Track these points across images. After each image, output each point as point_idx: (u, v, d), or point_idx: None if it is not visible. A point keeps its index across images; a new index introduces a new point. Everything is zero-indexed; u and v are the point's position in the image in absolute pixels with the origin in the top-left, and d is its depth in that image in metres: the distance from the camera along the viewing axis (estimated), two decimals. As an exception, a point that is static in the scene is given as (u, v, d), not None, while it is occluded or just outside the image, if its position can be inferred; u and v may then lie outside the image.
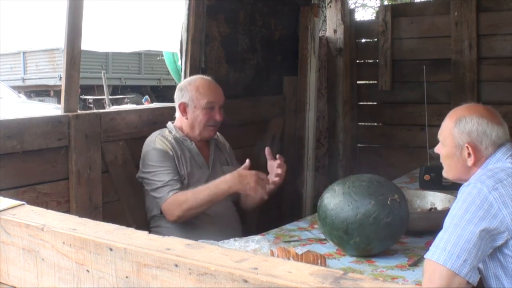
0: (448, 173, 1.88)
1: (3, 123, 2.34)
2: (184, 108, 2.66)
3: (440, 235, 1.59)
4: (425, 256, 1.61)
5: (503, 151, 1.75)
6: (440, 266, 1.54)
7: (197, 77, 2.77)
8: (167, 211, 2.49)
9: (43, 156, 2.47)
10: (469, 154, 1.76)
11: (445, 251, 1.54)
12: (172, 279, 0.91)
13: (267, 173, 2.67)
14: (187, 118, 2.67)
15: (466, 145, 1.76)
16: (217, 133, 2.82)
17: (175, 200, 2.47)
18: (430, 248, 1.60)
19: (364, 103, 4.85)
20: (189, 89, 2.66)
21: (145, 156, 2.60)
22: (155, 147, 2.57)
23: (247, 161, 2.51)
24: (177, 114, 2.73)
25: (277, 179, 2.59)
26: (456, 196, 2.46)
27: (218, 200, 2.49)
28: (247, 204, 2.78)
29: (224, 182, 2.46)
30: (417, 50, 4.43)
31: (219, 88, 2.73)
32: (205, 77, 2.76)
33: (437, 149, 1.89)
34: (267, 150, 2.65)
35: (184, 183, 2.57)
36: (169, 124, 2.74)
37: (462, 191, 1.65)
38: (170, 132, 2.67)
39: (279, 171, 2.58)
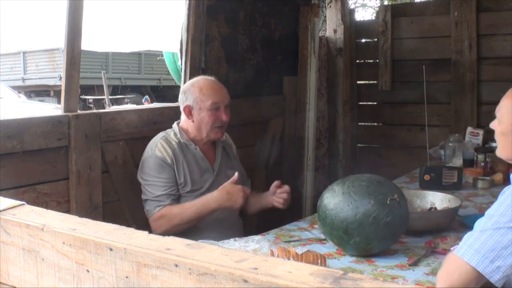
0: (501, 152, 1.73)
1: (3, 123, 2.34)
2: (189, 111, 2.59)
3: (476, 234, 1.47)
4: (454, 252, 1.50)
5: None
6: (469, 266, 1.44)
7: (200, 78, 2.70)
8: (154, 226, 2.48)
9: (43, 156, 2.47)
10: None
11: (479, 253, 1.44)
12: (172, 279, 0.91)
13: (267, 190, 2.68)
14: (193, 121, 2.60)
15: None
16: (225, 133, 2.76)
17: (162, 216, 2.47)
18: (461, 245, 1.49)
19: (364, 103, 4.85)
20: (193, 91, 2.59)
21: (144, 161, 2.57)
22: (154, 154, 2.53)
23: (236, 174, 2.50)
24: (183, 116, 2.66)
25: (281, 205, 2.64)
26: (456, 196, 2.49)
27: (206, 217, 2.48)
28: (247, 209, 2.77)
29: (212, 200, 2.46)
30: (417, 50, 4.43)
31: (223, 88, 2.66)
32: (208, 77, 2.69)
33: (493, 125, 1.75)
34: (276, 184, 2.66)
35: (184, 189, 2.55)
36: (175, 125, 2.66)
37: (507, 193, 1.50)
38: (175, 134, 2.62)
39: (284, 196, 2.63)
